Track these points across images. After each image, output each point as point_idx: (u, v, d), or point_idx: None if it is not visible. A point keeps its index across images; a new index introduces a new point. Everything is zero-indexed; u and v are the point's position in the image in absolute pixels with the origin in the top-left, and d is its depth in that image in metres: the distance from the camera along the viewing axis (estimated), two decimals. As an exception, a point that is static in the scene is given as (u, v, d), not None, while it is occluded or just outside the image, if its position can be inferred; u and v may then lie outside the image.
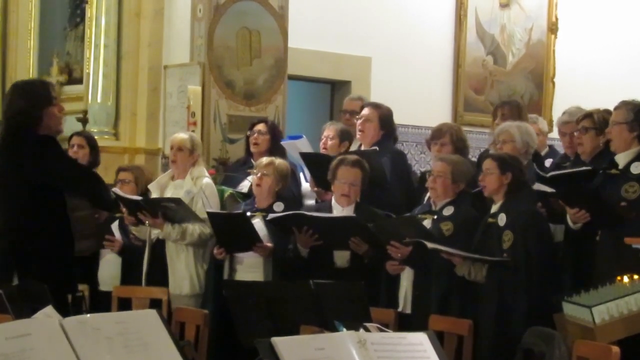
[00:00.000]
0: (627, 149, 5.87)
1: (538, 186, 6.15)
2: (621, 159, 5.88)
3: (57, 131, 5.78)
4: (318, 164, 7.10)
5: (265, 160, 6.86)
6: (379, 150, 7.05)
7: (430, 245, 5.82)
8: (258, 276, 6.63)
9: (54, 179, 5.57)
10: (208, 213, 6.73)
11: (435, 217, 6.25)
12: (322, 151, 7.49)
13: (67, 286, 5.61)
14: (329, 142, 7.46)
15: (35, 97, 5.61)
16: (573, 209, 5.81)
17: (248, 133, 7.63)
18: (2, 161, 5.67)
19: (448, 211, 6.25)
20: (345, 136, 7.50)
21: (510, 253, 5.79)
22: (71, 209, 5.76)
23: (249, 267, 6.69)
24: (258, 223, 6.70)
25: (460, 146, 6.88)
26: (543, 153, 7.55)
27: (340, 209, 6.54)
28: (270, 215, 6.62)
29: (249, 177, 7.16)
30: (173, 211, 6.75)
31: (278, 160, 6.87)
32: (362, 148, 7.18)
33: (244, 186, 7.36)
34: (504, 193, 5.98)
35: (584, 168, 6.14)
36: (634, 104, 5.89)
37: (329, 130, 7.54)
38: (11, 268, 5.48)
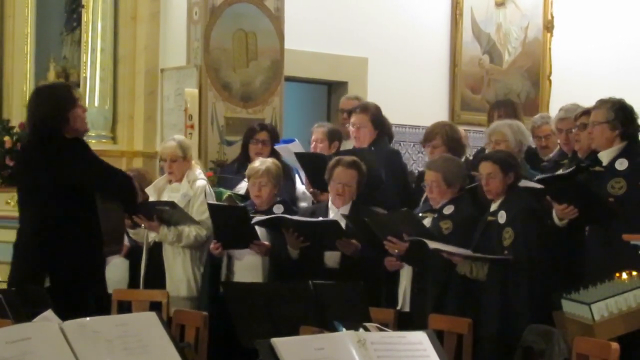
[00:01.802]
0: (609, 147, 5.91)
1: (525, 182, 6.16)
2: (605, 156, 5.92)
3: (84, 131, 5.83)
4: (313, 164, 7.11)
5: (260, 168, 6.80)
6: (374, 150, 7.06)
7: (432, 245, 5.82)
8: (256, 277, 6.64)
9: (84, 181, 5.61)
10: (208, 204, 6.75)
11: (436, 215, 6.27)
12: None
13: (95, 287, 5.66)
14: (319, 146, 7.47)
15: (60, 100, 5.65)
16: (561, 205, 5.83)
17: (251, 143, 7.58)
18: (32, 164, 5.70)
19: (448, 210, 6.26)
20: (334, 136, 7.51)
21: (511, 250, 5.80)
22: (102, 211, 5.78)
23: (247, 268, 6.70)
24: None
25: (453, 145, 6.81)
26: (553, 152, 7.54)
27: (336, 210, 6.56)
28: (255, 219, 6.63)
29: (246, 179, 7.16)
30: (168, 214, 6.76)
31: (269, 164, 6.86)
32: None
33: (242, 188, 7.37)
34: (504, 191, 6.00)
35: (569, 170, 6.15)
36: (612, 102, 5.94)
37: (317, 134, 7.55)
38: (43, 270, 5.50)
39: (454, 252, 5.85)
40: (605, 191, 5.80)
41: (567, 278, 5.79)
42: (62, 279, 5.45)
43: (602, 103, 5.98)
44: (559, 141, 7.35)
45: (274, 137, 7.65)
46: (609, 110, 5.89)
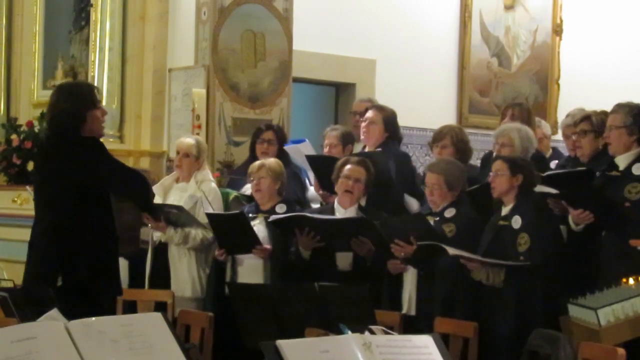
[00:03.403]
0: (626, 152, 5.88)
1: (541, 188, 6.15)
2: (621, 161, 5.89)
3: (99, 135, 5.80)
4: (324, 166, 7.10)
5: (256, 164, 6.85)
6: (383, 152, 7.05)
7: (452, 251, 5.79)
8: (259, 278, 6.63)
9: (98, 181, 5.59)
10: (207, 214, 6.73)
11: (438, 218, 6.24)
12: None
13: (109, 288, 5.66)
14: (333, 151, 7.46)
15: (80, 99, 5.64)
16: (576, 210, 5.81)
17: (257, 143, 7.60)
18: (48, 162, 5.70)
19: (450, 213, 6.24)
20: (348, 139, 7.50)
21: (527, 256, 5.77)
22: (116, 211, 5.78)
23: (250, 269, 6.69)
24: (260, 224, 6.70)
25: (461, 147, 6.86)
26: (547, 156, 7.55)
27: (343, 211, 6.52)
28: (273, 217, 6.61)
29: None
30: (175, 216, 6.75)
31: (268, 161, 6.88)
32: (367, 150, 7.18)
33: (248, 188, 7.37)
34: (515, 195, 5.97)
35: (579, 169, 6.15)
36: (630, 107, 5.91)
37: (330, 138, 7.53)
38: (56, 269, 5.49)
39: (473, 258, 5.82)
40: (622, 196, 5.76)
41: (581, 283, 5.77)
42: (76, 279, 5.44)
43: (619, 107, 5.94)
44: (565, 146, 7.35)
45: (280, 137, 7.65)
46: (627, 115, 5.85)
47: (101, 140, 6.21)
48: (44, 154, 5.76)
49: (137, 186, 5.85)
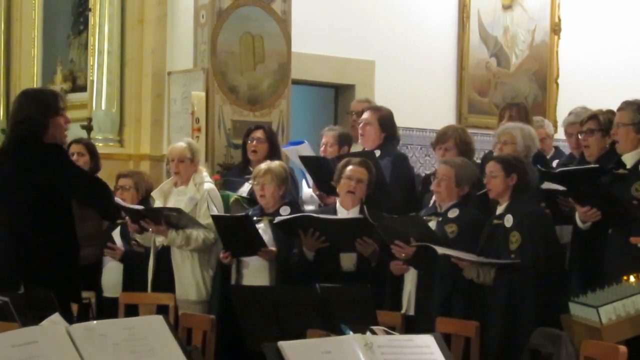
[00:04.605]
0: (634, 149, 5.87)
1: (548, 185, 6.14)
2: (629, 159, 5.88)
3: (62, 142, 5.78)
4: (317, 167, 7.11)
5: (262, 168, 6.83)
6: (381, 153, 7.05)
7: (440, 250, 5.80)
8: (265, 280, 6.63)
9: (61, 187, 5.57)
10: (212, 217, 6.73)
11: (441, 219, 6.25)
12: None
13: (71, 294, 5.62)
14: (329, 149, 7.47)
15: (43, 105, 5.61)
16: (584, 207, 5.80)
17: (248, 142, 7.63)
18: (8, 168, 5.68)
19: (453, 213, 6.25)
20: (344, 140, 7.50)
21: (518, 254, 5.79)
22: (79, 218, 5.75)
23: (256, 271, 6.69)
24: (264, 227, 6.70)
25: (464, 149, 6.85)
26: (549, 155, 7.55)
27: (345, 212, 6.53)
28: (278, 218, 6.61)
29: (249, 182, 7.16)
30: (176, 218, 6.75)
31: (273, 165, 6.86)
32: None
33: (243, 191, 7.38)
34: (510, 194, 5.99)
35: (592, 166, 6.12)
36: (638, 104, 5.88)
37: (327, 137, 7.55)
38: (17, 276, 5.48)
39: (462, 257, 5.83)
40: (629, 194, 5.75)
41: (583, 281, 5.77)
42: (37, 287, 5.40)
43: (627, 105, 5.91)
44: (567, 145, 7.34)
45: (271, 136, 7.66)
46: (634, 112, 5.83)
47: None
48: (4, 160, 5.73)
49: (98, 193, 5.82)
